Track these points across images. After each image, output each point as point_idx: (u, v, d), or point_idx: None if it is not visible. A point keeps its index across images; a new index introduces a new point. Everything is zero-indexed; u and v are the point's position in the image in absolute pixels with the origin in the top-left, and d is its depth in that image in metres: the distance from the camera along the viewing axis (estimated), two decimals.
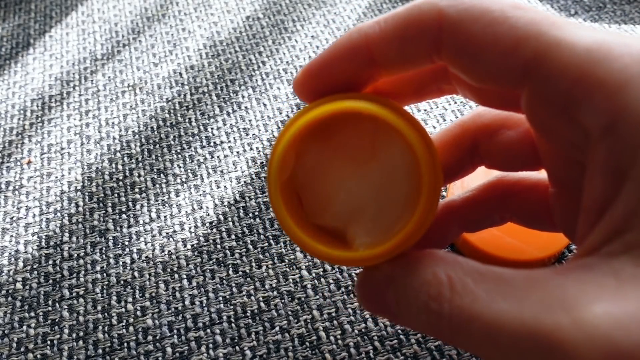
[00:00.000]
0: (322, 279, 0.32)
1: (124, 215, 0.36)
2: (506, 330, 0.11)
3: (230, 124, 0.41)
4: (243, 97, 0.43)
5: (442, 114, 0.41)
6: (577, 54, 0.11)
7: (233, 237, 0.35)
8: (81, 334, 0.31)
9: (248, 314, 0.31)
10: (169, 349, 0.30)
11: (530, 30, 0.12)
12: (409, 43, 0.14)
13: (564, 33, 0.12)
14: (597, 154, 0.12)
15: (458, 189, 0.32)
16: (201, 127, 0.41)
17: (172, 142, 0.40)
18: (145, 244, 0.35)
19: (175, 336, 0.30)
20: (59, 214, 0.37)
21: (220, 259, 0.34)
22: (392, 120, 0.14)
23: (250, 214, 0.36)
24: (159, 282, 0.33)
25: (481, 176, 0.19)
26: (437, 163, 0.14)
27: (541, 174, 0.17)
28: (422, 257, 0.13)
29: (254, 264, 0.33)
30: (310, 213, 0.16)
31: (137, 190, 0.38)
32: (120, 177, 0.38)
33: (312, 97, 0.15)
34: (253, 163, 0.39)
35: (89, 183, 0.38)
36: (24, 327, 0.31)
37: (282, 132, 0.15)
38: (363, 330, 0.30)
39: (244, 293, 0.32)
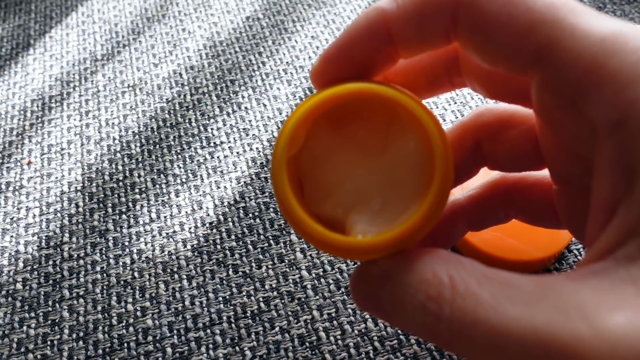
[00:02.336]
0: (322, 280, 0.32)
1: (124, 216, 0.36)
2: (515, 338, 0.10)
3: (230, 125, 0.41)
4: (243, 97, 0.43)
5: (442, 114, 0.41)
6: (591, 44, 0.11)
7: (233, 237, 0.35)
8: (81, 334, 0.31)
9: (248, 315, 0.31)
10: (169, 350, 0.30)
11: (547, 14, 0.12)
12: (427, 20, 0.14)
13: (580, 20, 0.11)
14: (605, 150, 0.11)
15: (458, 189, 0.32)
16: (201, 128, 0.41)
17: (172, 143, 0.40)
18: (145, 245, 0.35)
19: (175, 336, 0.30)
20: (59, 215, 0.37)
21: (220, 259, 0.34)
22: (409, 105, 0.14)
23: (250, 215, 0.36)
24: (159, 282, 0.33)
25: (481, 176, 0.19)
26: (450, 156, 0.13)
27: (544, 171, 0.17)
28: (422, 255, 0.12)
29: (253, 265, 0.33)
30: (310, 200, 0.15)
31: (137, 190, 0.38)
32: (120, 178, 0.38)
33: (331, 85, 0.15)
34: (253, 163, 0.39)
35: (89, 183, 0.38)
36: (24, 328, 0.31)
37: (295, 109, 0.14)
38: (363, 330, 0.30)
39: (244, 293, 0.32)
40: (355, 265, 0.32)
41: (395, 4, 0.14)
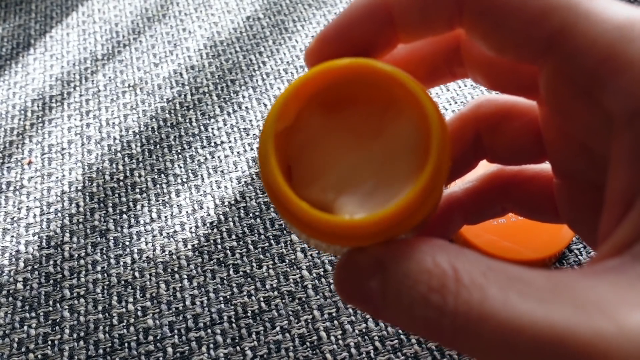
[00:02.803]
0: (323, 279, 0.32)
1: (124, 216, 0.36)
2: (527, 335, 0.09)
3: (231, 124, 0.41)
4: (244, 97, 0.43)
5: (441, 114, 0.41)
6: (607, 31, 0.11)
7: (234, 237, 0.35)
8: (82, 334, 0.31)
9: (249, 314, 0.31)
10: (169, 349, 0.30)
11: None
12: (430, 4, 0.13)
13: (596, 6, 0.11)
14: (622, 141, 0.11)
15: (457, 181, 0.32)
16: (202, 128, 0.41)
17: (173, 143, 0.40)
18: (146, 244, 0.35)
19: (176, 336, 0.30)
20: (59, 214, 0.37)
21: (221, 259, 0.34)
22: (407, 81, 0.13)
23: (251, 214, 0.36)
24: (160, 282, 0.33)
25: (479, 169, 0.19)
26: (447, 137, 0.13)
27: (544, 164, 0.17)
28: (419, 243, 0.11)
29: (254, 264, 0.33)
30: (298, 184, 0.14)
31: (137, 190, 0.38)
32: (121, 178, 0.38)
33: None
34: (254, 163, 0.39)
35: (90, 183, 0.38)
36: (25, 327, 0.31)
37: (289, 85, 0.13)
38: (364, 330, 0.30)
39: (244, 293, 0.32)
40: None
41: None
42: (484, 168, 0.18)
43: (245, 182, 0.38)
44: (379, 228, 0.12)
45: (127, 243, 0.35)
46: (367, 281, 0.12)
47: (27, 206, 0.37)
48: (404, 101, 0.14)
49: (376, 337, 0.30)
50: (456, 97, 0.42)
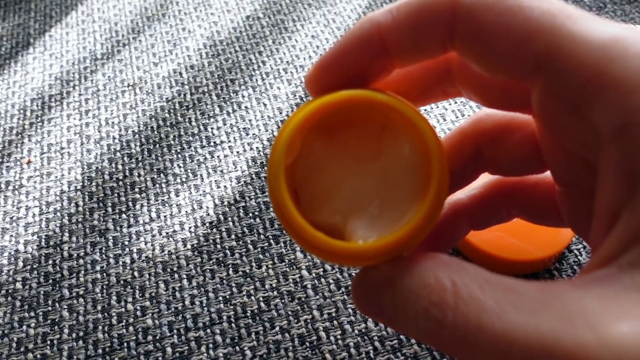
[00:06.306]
0: (322, 279, 0.32)
1: (124, 215, 0.36)
2: (519, 345, 0.10)
3: (231, 124, 0.41)
4: (243, 96, 0.43)
5: (442, 114, 0.41)
6: (592, 50, 0.11)
7: (233, 237, 0.35)
8: (81, 333, 0.31)
9: (248, 314, 0.31)
10: (169, 349, 0.30)
11: (545, 22, 0.12)
12: (422, 31, 0.13)
13: (580, 27, 0.11)
14: (609, 155, 0.11)
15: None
16: (201, 127, 0.41)
17: (172, 142, 0.40)
18: (145, 244, 0.35)
19: (175, 336, 0.30)
20: (58, 214, 0.37)
21: (220, 258, 0.34)
22: (404, 110, 0.14)
23: (251, 214, 0.36)
24: (159, 282, 0.33)
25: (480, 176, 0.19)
26: (445, 158, 0.14)
27: (546, 172, 0.17)
28: (423, 260, 0.12)
29: (254, 264, 0.33)
30: (307, 209, 0.15)
31: (137, 190, 0.38)
32: (120, 177, 0.38)
33: (325, 93, 0.15)
34: (253, 163, 0.39)
35: (89, 183, 0.38)
36: (24, 327, 0.31)
37: (290, 118, 0.14)
38: (363, 330, 0.30)
39: (244, 293, 0.32)
40: (355, 268, 0.32)
41: (390, 16, 0.14)
42: (484, 176, 0.19)
43: (244, 181, 0.38)
44: (390, 249, 0.13)
45: (127, 243, 0.35)
46: (380, 296, 0.13)
47: (26, 205, 0.37)
48: (400, 125, 0.15)
49: (375, 337, 0.30)
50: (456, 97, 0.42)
